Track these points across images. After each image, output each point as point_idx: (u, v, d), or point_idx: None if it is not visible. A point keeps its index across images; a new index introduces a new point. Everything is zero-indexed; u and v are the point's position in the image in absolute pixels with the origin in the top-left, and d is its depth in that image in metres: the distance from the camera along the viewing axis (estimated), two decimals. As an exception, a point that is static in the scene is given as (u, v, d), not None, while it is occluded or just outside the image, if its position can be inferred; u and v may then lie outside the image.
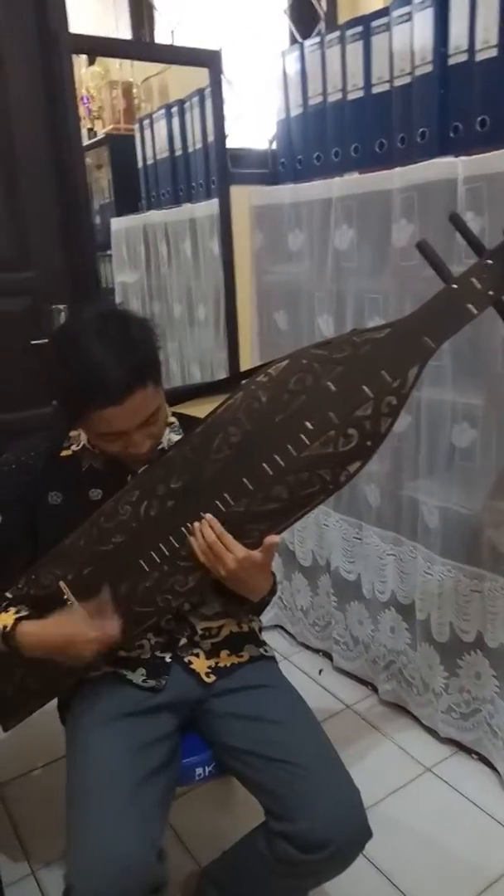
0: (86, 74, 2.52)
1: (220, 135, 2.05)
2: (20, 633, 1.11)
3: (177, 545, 1.14)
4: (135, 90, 2.55)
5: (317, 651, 2.23)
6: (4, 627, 1.12)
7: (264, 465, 1.11)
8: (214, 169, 2.13)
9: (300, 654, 2.25)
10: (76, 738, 1.16)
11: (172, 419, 1.30)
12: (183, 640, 1.25)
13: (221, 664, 1.25)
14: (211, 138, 2.14)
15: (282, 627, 2.36)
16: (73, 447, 1.23)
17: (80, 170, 1.86)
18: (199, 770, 1.25)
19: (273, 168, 2.14)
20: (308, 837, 1.04)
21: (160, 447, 1.22)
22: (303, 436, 1.10)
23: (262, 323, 2.13)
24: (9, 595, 1.18)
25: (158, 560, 1.15)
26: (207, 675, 1.23)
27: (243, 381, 1.15)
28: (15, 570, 1.21)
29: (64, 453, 1.23)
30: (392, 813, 1.63)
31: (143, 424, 1.09)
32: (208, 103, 2.14)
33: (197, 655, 1.25)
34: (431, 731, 1.85)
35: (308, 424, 1.10)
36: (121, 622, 1.12)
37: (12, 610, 1.15)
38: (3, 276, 1.82)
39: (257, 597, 1.18)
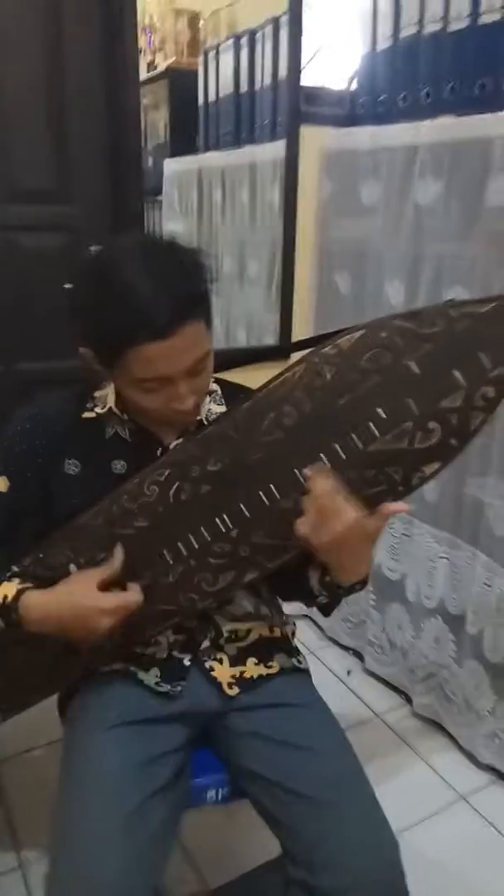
0: (151, 2, 2.30)
1: (295, 67, 1.82)
2: (24, 606, 0.95)
3: (208, 538, 0.97)
4: (202, 22, 2.33)
5: (347, 649, 2.06)
6: (5, 598, 0.96)
7: (322, 455, 0.92)
8: (284, 107, 1.90)
9: (328, 650, 2.08)
10: (74, 740, 1.01)
11: (214, 386, 1.11)
12: (205, 643, 1.08)
13: (247, 675, 1.08)
14: (283, 74, 1.91)
15: (310, 618, 2.19)
16: (98, 409, 1.05)
17: (134, 102, 1.66)
18: (211, 792, 1.09)
19: (351, 110, 1.89)
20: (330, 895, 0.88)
21: (198, 419, 1.04)
22: (372, 425, 0.91)
23: (321, 285, 1.91)
24: (14, 569, 1.02)
25: (185, 553, 0.98)
26: (230, 685, 1.06)
27: (308, 352, 0.95)
28: (25, 544, 1.05)
29: (86, 415, 1.05)
30: (418, 844, 1.46)
31: (190, 373, 0.92)
32: (283, 34, 1.91)
33: (220, 661, 1.08)
34: (469, 755, 1.67)
35: (380, 412, 0.91)
36: (140, 595, 0.96)
37: (16, 581, 0.99)
38: (41, 209, 1.64)
39: (351, 579, 0.97)
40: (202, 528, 0.97)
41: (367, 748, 1.70)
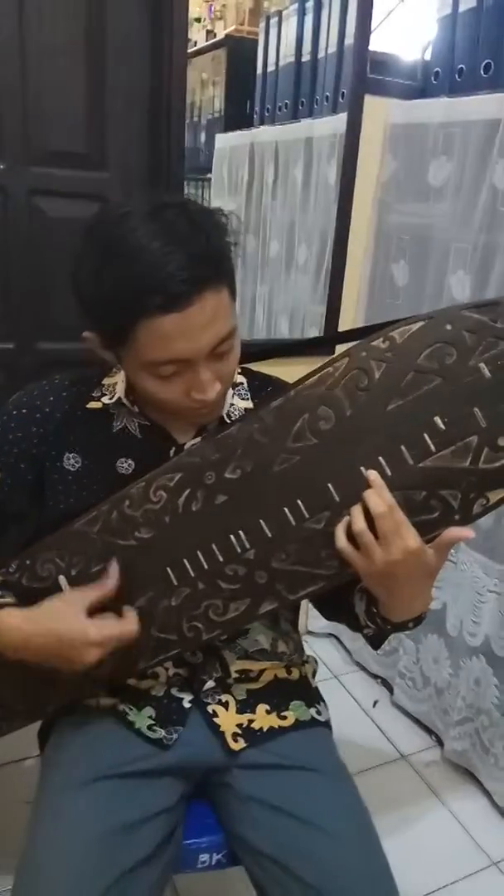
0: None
1: (364, 32, 1.62)
2: (2, 626, 0.81)
3: (220, 558, 0.82)
4: (267, -11, 2.17)
5: (375, 677, 1.88)
6: None
7: (362, 469, 0.76)
8: (348, 76, 1.71)
9: (354, 676, 1.91)
10: (43, 798, 0.86)
11: (240, 378, 0.95)
12: (209, 683, 0.92)
13: (256, 725, 0.92)
14: (350, 40, 1.72)
15: (336, 638, 2.01)
16: (105, 399, 0.90)
17: (180, 55, 1.49)
18: (204, 856, 0.93)
19: (423, 81, 1.69)
20: None
21: (218, 414, 0.88)
22: (427, 437, 0.75)
23: (374, 275, 1.73)
24: (-2, 577, 0.88)
25: (193, 573, 0.83)
26: (235, 738, 0.90)
27: (353, 344, 0.78)
28: (14, 544, 0.92)
29: (91, 405, 0.90)
30: (441, 915, 1.29)
31: (212, 356, 0.77)
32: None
33: (225, 706, 0.92)
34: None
35: (438, 422, 0.75)
36: (136, 626, 0.82)
37: None
38: (71, 174, 1.48)
39: (403, 615, 0.81)
40: (214, 546, 0.82)
41: (388, 792, 1.54)
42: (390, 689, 1.81)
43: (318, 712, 0.98)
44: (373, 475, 0.74)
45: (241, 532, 0.81)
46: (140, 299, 0.71)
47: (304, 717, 0.95)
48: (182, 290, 0.71)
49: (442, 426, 0.74)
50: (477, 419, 0.74)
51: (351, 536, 0.75)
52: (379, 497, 0.73)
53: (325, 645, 2.00)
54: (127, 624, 0.81)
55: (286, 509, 0.78)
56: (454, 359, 0.74)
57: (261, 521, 0.80)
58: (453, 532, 0.73)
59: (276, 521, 0.79)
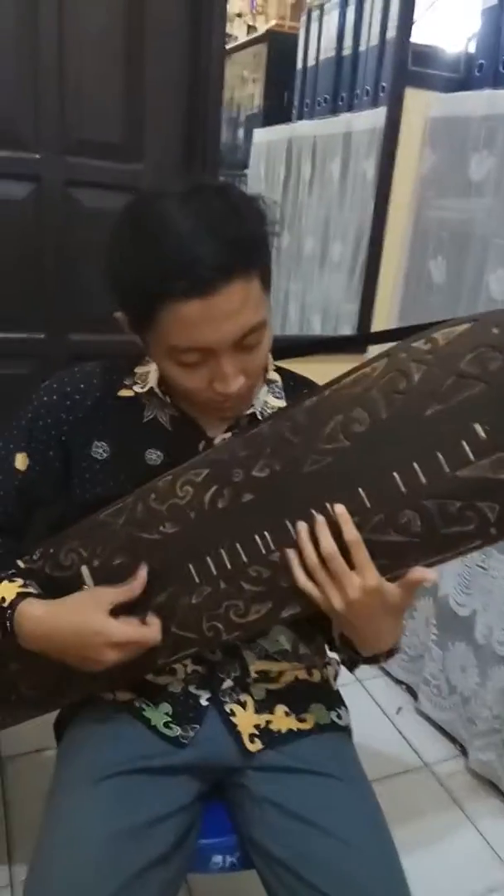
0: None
1: (406, 24, 1.59)
2: (20, 615, 0.80)
3: (244, 558, 0.80)
4: (310, -16, 2.15)
5: (400, 683, 1.84)
6: (3, 601, 0.81)
7: (395, 475, 0.74)
8: (389, 69, 1.67)
9: (377, 682, 1.87)
10: (58, 793, 0.84)
11: (275, 375, 0.92)
12: (228, 682, 0.90)
13: (274, 727, 0.90)
14: (391, 33, 1.68)
15: (362, 642, 1.98)
16: (137, 388, 0.88)
17: (218, 44, 1.47)
18: (217, 858, 0.91)
19: (466, 74, 1.65)
20: None
21: (251, 411, 0.86)
22: (466, 445, 0.72)
23: (411, 272, 1.69)
24: (20, 564, 0.87)
25: (215, 571, 0.81)
26: (252, 738, 0.88)
27: (392, 345, 0.75)
28: (40, 531, 0.91)
29: (123, 392, 0.88)
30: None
31: (238, 348, 0.74)
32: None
33: (244, 705, 0.90)
34: (530, 830, 1.43)
35: (478, 429, 0.71)
36: (158, 634, 0.80)
37: (18, 581, 0.84)
38: (107, 164, 1.48)
39: (372, 650, 0.81)
40: (238, 545, 0.80)
41: (410, 800, 1.51)
42: (415, 696, 1.77)
43: (339, 716, 0.95)
44: (339, 509, 0.73)
45: (266, 533, 0.78)
46: (165, 282, 0.69)
47: (323, 720, 0.93)
48: (209, 276, 0.69)
49: (483, 434, 0.71)
50: None
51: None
52: (324, 538, 0.73)
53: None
54: (150, 631, 0.79)
55: (314, 511, 0.76)
56: (500, 364, 0.71)
57: (287, 522, 0.77)
58: (417, 573, 0.72)
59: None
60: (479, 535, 0.72)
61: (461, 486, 0.71)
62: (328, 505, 0.75)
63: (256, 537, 0.79)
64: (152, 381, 0.87)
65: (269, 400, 0.89)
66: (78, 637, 0.77)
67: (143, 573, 0.81)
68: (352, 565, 0.72)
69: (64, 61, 1.37)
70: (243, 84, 2.32)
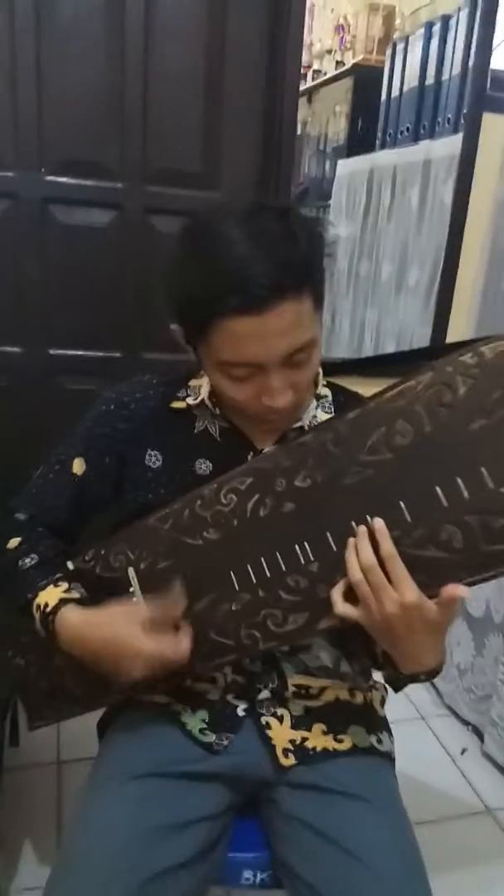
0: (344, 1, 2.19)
1: (485, 48, 1.58)
2: (60, 620, 0.83)
3: (283, 567, 0.80)
4: (398, 20, 2.19)
5: (466, 724, 1.76)
6: (46, 607, 0.84)
7: (437, 489, 0.72)
8: (468, 96, 1.67)
9: (443, 720, 1.79)
10: (94, 785, 0.86)
11: (325, 391, 0.93)
12: (265, 692, 0.89)
13: (310, 744, 0.88)
14: (472, 61, 1.68)
15: (428, 677, 1.91)
16: (189, 400, 0.91)
17: (292, 82, 1.53)
18: (248, 873, 0.90)
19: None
20: None
21: (299, 425, 0.87)
22: None
23: (486, 295, 1.65)
24: (70, 566, 0.91)
25: (255, 579, 0.81)
26: (286, 753, 0.87)
27: (441, 359, 0.75)
28: (95, 534, 0.94)
29: (175, 404, 0.92)
30: None
31: (287, 363, 0.76)
32: (478, 14, 1.68)
33: (280, 719, 0.89)
34: None
35: None
36: (187, 650, 0.80)
37: (63, 586, 0.87)
38: (184, 193, 1.55)
39: (412, 668, 0.78)
40: (278, 555, 0.80)
41: (468, 844, 1.43)
42: (481, 738, 1.68)
43: (380, 741, 0.92)
44: (378, 524, 0.72)
45: (305, 543, 0.78)
46: (219, 298, 0.72)
47: (362, 743, 0.90)
48: (261, 294, 0.71)
49: None
50: None
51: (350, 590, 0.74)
52: (363, 550, 0.72)
53: (415, 685, 1.89)
54: (180, 645, 0.79)
55: (354, 523, 0.75)
56: None
57: (327, 533, 0.77)
58: (451, 589, 0.70)
59: (343, 535, 0.76)
60: None
61: None
62: (368, 518, 0.75)
63: (296, 547, 0.79)
64: (204, 393, 0.90)
65: (319, 414, 0.90)
66: (109, 647, 0.80)
67: (177, 588, 0.82)
68: (390, 580, 0.71)
69: (147, 95, 1.46)
70: (335, 118, 2.37)
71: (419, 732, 1.73)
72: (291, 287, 0.72)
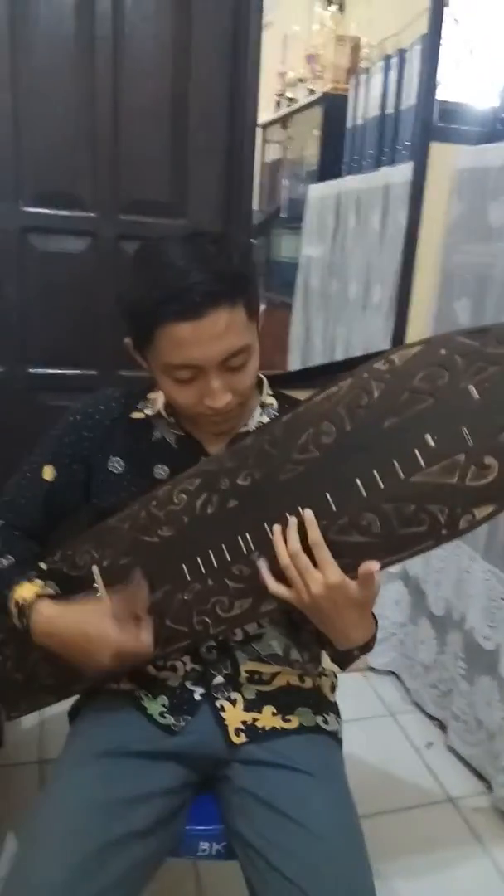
0: (316, 31, 2.31)
1: (430, 82, 1.70)
2: (36, 613, 0.91)
3: (228, 558, 0.89)
4: (365, 50, 2.31)
5: (432, 718, 1.84)
6: (23, 602, 0.93)
7: (357, 481, 0.81)
8: (414, 126, 1.79)
9: (410, 716, 1.87)
10: (60, 764, 0.95)
11: (270, 399, 1.03)
12: (219, 678, 0.98)
13: (260, 724, 0.97)
14: (416, 93, 1.80)
15: (397, 676, 1.99)
16: (147, 411, 1.01)
17: (251, 119, 1.63)
18: (204, 844, 0.98)
19: (493, 127, 1.74)
20: None
21: (246, 430, 0.96)
22: (418, 453, 0.79)
23: (440, 313, 1.76)
24: (43, 566, 1.00)
25: (203, 569, 0.90)
26: (238, 732, 0.95)
27: (360, 366, 0.85)
28: (65, 536, 1.02)
29: (135, 415, 1.01)
30: None
31: (225, 367, 0.86)
32: (421, 49, 1.79)
33: (234, 703, 0.98)
34: (553, 873, 1.40)
35: (429, 439, 0.79)
36: (150, 644, 0.89)
37: (38, 583, 0.95)
38: (155, 220, 1.65)
39: (345, 643, 0.88)
40: (223, 546, 0.89)
41: (432, 835, 1.51)
42: (446, 731, 1.76)
43: (326, 721, 1.01)
44: (307, 514, 0.81)
45: (247, 535, 0.87)
46: (161, 306, 0.82)
47: (308, 723, 0.99)
48: (197, 301, 0.81)
49: (432, 444, 0.78)
50: (464, 438, 0.77)
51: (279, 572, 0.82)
52: (290, 538, 0.81)
53: (384, 682, 1.98)
54: (144, 640, 0.87)
55: (288, 515, 0.84)
56: (446, 381, 0.79)
57: (265, 524, 0.86)
58: (365, 566, 0.78)
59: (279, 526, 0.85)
60: (432, 536, 0.78)
61: (415, 490, 0.78)
62: (300, 509, 0.84)
63: (239, 539, 0.87)
64: (160, 405, 1.00)
65: (264, 420, 0.99)
66: (80, 636, 0.88)
67: (137, 576, 0.90)
68: (316, 564, 0.80)
69: (118, 131, 1.57)
70: (312, 142, 2.49)
71: (387, 727, 1.81)
72: (225, 296, 0.82)
